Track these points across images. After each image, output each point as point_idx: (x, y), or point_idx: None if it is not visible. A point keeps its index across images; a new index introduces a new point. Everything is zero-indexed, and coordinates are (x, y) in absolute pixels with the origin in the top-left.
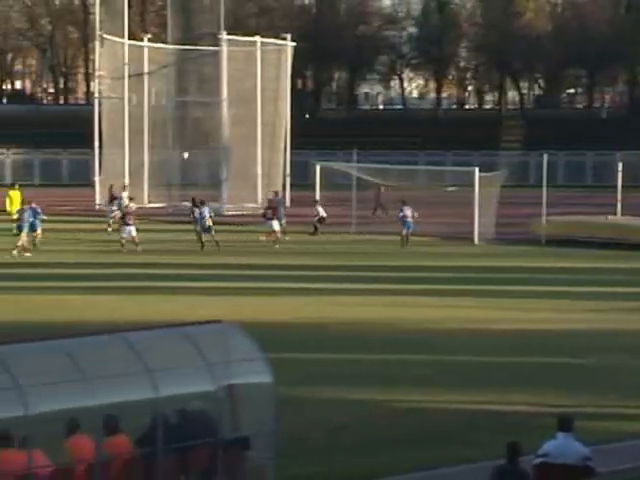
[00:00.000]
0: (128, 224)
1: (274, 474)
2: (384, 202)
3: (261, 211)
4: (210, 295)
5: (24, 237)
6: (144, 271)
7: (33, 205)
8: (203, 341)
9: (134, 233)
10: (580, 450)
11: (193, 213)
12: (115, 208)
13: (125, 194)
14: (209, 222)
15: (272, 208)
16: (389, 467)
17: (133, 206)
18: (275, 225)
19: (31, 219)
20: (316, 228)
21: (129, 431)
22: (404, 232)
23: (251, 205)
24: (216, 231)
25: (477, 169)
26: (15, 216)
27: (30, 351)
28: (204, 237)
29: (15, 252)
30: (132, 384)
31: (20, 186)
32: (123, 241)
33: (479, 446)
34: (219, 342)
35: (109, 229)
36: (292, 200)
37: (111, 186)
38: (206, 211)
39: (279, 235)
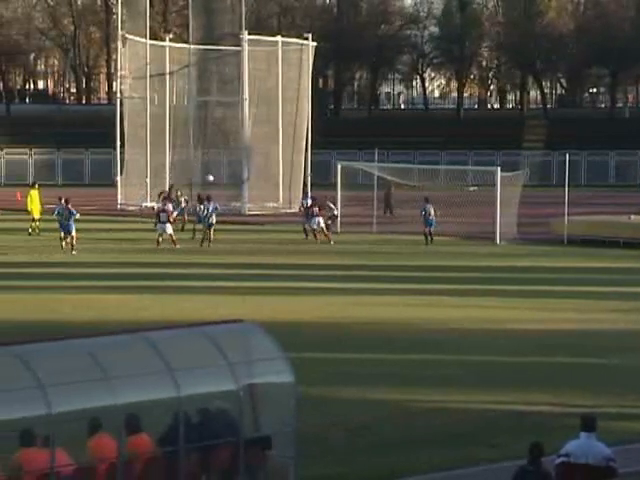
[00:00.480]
0: (164, 222)
1: (295, 474)
2: (394, 202)
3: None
4: (231, 294)
5: (74, 235)
6: (166, 271)
7: (69, 206)
8: (224, 340)
9: (170, 231)
10: (603, 450)
11: (196, 209)
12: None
13: (183, 197)
14: (213, 219)
15: (318, 205)
16: (409, 467)
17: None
18: (320, 222)
19: (66, 222)
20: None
21: (151, 430)
22: (426, 230)
23: (272, 204)
24: (236, 230)
25: (499, 169)
26: (55, 216)
27: (52, 350)
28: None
29: (74, 252)
30: (154, 383)
31: (39, 186)
32: (160, 239)
33: (500, 447)
34: (240, 341)
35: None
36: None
37: (171, 186)
38: (211, 207)
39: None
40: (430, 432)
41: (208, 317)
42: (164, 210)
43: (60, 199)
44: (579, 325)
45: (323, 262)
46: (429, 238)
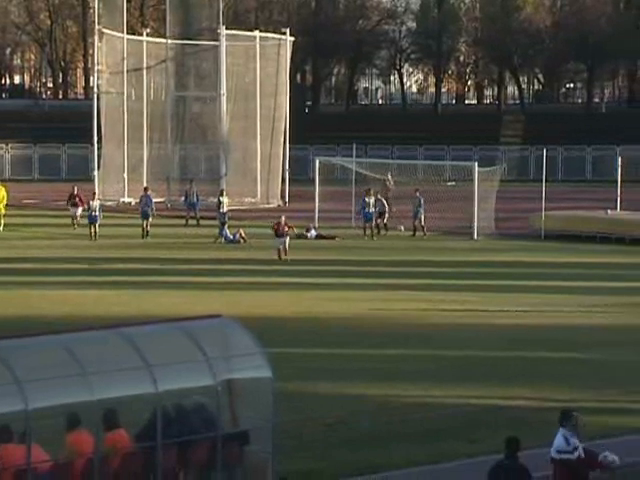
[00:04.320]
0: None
1: (273, 469)
2: (391, 197)
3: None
4: (209, 290)
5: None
6: (143, 266)
7: (149, 193)
8: (202, 336)
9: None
10: (557, 443)
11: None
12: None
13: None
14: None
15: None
16: (387, 462)
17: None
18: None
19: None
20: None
21: (128, 426)
22: (416, 222)
23: (250, 200)
24: (214, 226)
25: (476, 164)
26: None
27: (29, 346)
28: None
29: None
30: (131, 379)
31: (3, 181)
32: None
33: (479, 441)
34: (218, 337)
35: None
36: (291, 195)
37: (190, 181)
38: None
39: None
40: (408, 427)
41: (186, 312)
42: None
43: (94, 194)
44: (556, 320)
45: (300, 257)
46: (422, 228)
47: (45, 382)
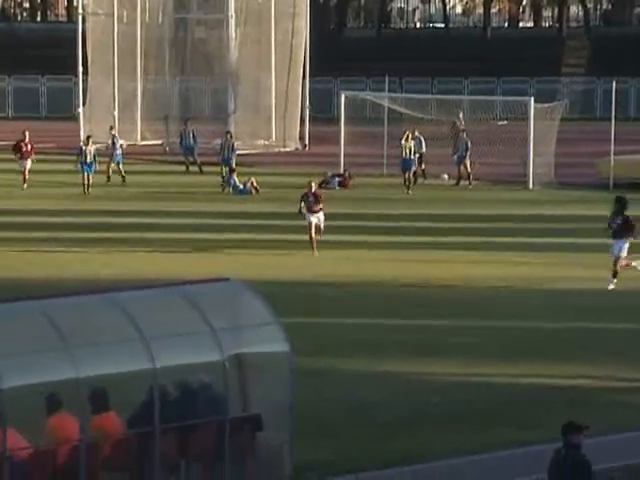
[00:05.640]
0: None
1: (290, 459)
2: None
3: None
4: (214, 249)
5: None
6: (137, 220)
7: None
8: (206, 302)
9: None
10: None
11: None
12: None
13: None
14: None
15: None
16: (423, 452)
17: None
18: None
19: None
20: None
21: (120, 408)
22: (461, 169)
23: (263, 142)
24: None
25: (532, 99)
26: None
27: (2, 314)
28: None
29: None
30: (123, 353)
31: None
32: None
33: (533, 427)
34: (226, 304)
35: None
36: (311, 137)
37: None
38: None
39: None
40: (451, 410)
41: (187, 275)
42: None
43: (89, 138)
44: (625, 285)
45: (327, 211)
46: (468, 177)
47: (21, 357)
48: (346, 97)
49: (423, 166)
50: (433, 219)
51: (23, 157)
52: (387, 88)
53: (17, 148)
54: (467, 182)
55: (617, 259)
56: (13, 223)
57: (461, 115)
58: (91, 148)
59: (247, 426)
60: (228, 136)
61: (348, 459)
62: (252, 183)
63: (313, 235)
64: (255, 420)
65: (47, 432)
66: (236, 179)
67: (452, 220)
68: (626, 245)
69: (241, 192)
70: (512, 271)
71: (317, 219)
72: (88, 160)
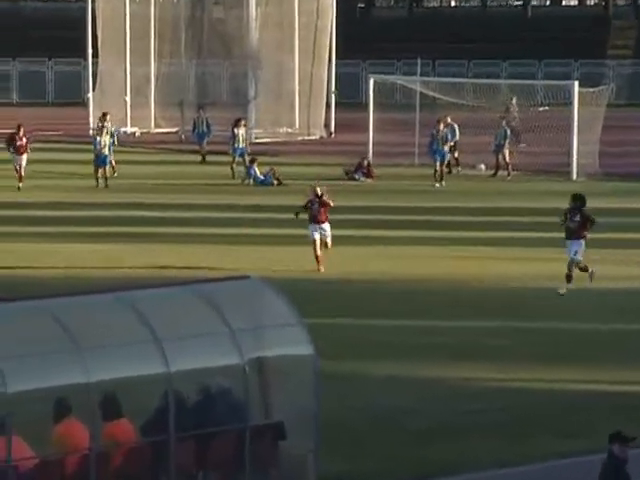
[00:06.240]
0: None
1: (315, 470)
2: (518, 126)
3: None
4: (233, 244)
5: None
6: (150, 213)
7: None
8: (225, 302)
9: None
10: None
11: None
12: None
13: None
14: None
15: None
16: (460, 463)
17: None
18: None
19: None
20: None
21: (133, 415)
22: (499, 158)
23: (286, 130)
24: (240, 162)
25: (577, 83)
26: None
27: (7, 314)
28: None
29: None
30: (136, 356)
31: None
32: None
33: (577, 436)
34: (246, 303)
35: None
36: (338, 124)
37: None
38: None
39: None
40: (488, 418)
41: (205, 272)
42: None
43: (102, 128)
44: None
45: (348, 204)
46: (506, 167)
47: (28, 359)
48: (375, 81)
49: (457, 155)
50: (467, 212)
51: (18, 152)
52: (419, 71)
53: (10, 142)
54: (506, 173)
55: (575, 263)
56: (18, 217)
57: (514, 100)
58: (105, 138)
59: (269, 434)
60: (241, 124)
61: (377, 470)
62: (274, 174)
63: (319, 253)
64: (277, 428)
65: (55, 440)
66: (257, 170)
67: (488, 214)
68: (583, 246)
69: (262, 183)
70: (551, 269)
71: (321, 233)
72: (103, 152)
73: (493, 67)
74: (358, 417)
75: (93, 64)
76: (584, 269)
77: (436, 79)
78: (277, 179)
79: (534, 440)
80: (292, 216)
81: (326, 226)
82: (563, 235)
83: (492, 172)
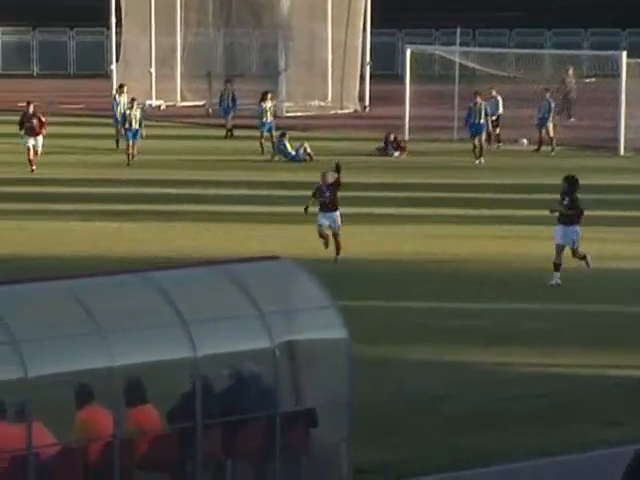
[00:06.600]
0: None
1: (348, 459)
2: (574, 99)
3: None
4: (262, 223)
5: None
6: (177, 191)
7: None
8: (255, 283)
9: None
10: None
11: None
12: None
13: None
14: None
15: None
16: (499, 451)
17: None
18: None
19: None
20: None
21: (158, 401)
22: (543, 132)
23: (318, 103)
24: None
25: (624, 53)
26: None
27: (27, 295)
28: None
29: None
30: (162, 339)
31: None
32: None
33: (624, 425)
34: (276, 285)
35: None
36: (373, 97)
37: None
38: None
39: None
40: (527, 405)
41: (233, 252)
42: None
43: (133, 100)
44: None
45: (383, 180)
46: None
47: (49, 342)
48: (412, 52)
49: (498, 130)
50: (508, 190)
51: (29, 134)
52: (458, 41)
53: (24, 122)
54: (549, 148)
55: (577, 249)
56: (36, 193)
57: (570, 71)
58: (136, 112)
59: (300, 422)
60: (268, 97)
61: (412, 459)
62: (305, 149)
63: (328, 244)
64: (309, 415)
65: (77, 427)
66: (288, 144)
67: (530, 191)
68: (580, 233)
69: (293, 159)
70: (597, 249)
71: (331, 221)
72: (133, 126)
73: (536, 36)
74: (392, 403)
75: (117, 34)
76: (582, 257)
77: (476, 49)
78: (308, 155)
79: (575, 428)
80: (305, 209)
81: (336, 215)
82: (611, 213)
83: (535, 147)
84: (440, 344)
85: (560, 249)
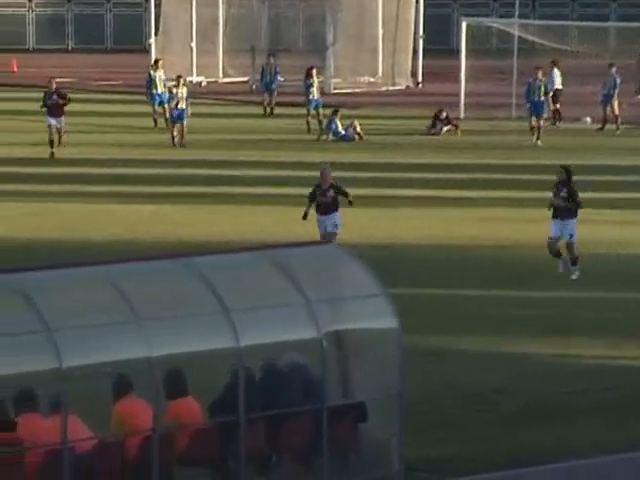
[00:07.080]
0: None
1: (400, 455)
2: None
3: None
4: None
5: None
6: (218, 172)
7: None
8: (301, 270)
9: None
10: None
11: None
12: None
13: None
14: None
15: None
16: (560, 447)
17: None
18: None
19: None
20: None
21: (199, 393)
22: (607, 110)
23: (368, 79)
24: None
25: None
26: None
27: (63, 281)
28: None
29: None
30: (203, 329)
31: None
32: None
33: None
34: (323, 271)
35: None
36: (426, 72)
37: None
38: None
39: None
40: (590, 399)
41: (279, 237)
42: None
43: (179, 78)
44: None
45: (435, 161)
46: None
47: (85, 331)
48: (468, 25)
49: (558, 106)
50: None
51: (50, 113)
52: (517, 13)
53: (47, 99)
54: (614, 126)
55: (573, 245)
56: (70, 174)
57: None
58: (182, 90)
59: (348, 416)
60: (313, 73)
61: (468, 456)
62: (355, 128)
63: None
64: (358, 409)
65: (114, 420)
66: (339, 123)
67: (594, 172)
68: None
69: (342, 138)
70: None
71: (331, 226)
72: (179, 106)
73: (601, 8)
74: (446, 396)
75: (156, 6)
76: (574, 259)
77: (536, 22)
78: (358, 134)
79: None
80: (314, 210)
81: (336, 216)
82: None
83: (599, 126)
84: (497, 334)
85: (554, 243)
